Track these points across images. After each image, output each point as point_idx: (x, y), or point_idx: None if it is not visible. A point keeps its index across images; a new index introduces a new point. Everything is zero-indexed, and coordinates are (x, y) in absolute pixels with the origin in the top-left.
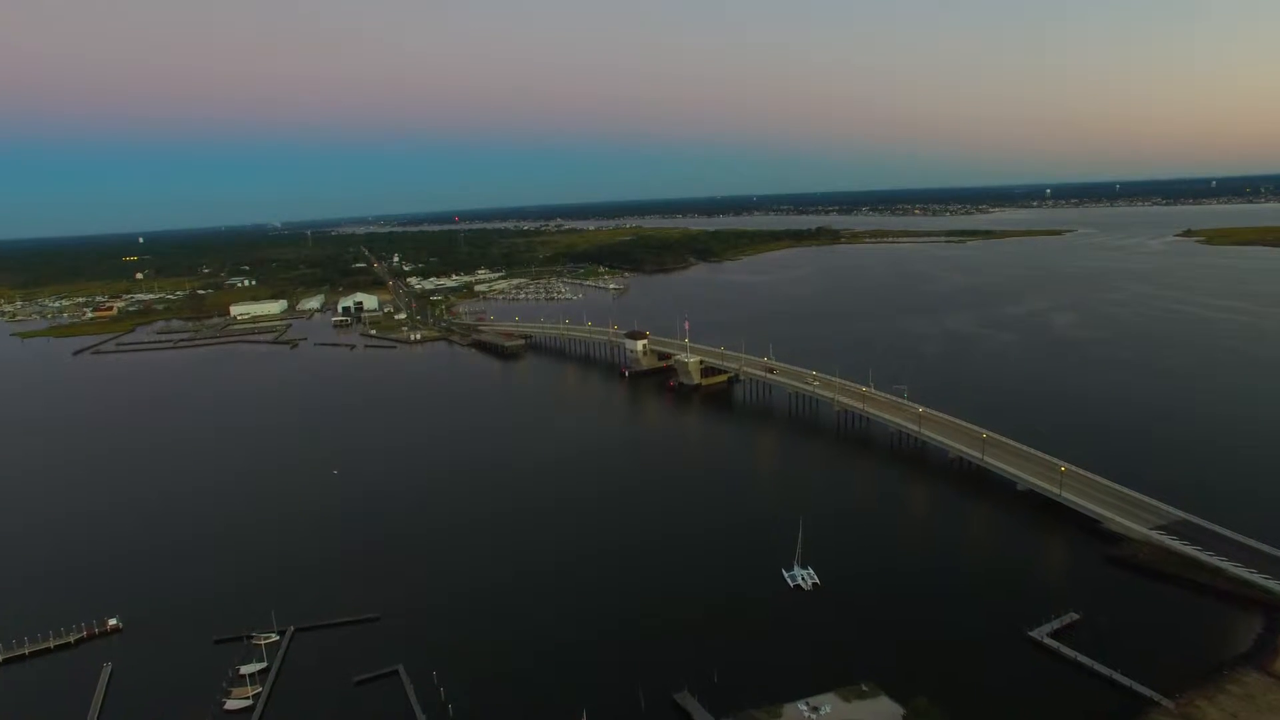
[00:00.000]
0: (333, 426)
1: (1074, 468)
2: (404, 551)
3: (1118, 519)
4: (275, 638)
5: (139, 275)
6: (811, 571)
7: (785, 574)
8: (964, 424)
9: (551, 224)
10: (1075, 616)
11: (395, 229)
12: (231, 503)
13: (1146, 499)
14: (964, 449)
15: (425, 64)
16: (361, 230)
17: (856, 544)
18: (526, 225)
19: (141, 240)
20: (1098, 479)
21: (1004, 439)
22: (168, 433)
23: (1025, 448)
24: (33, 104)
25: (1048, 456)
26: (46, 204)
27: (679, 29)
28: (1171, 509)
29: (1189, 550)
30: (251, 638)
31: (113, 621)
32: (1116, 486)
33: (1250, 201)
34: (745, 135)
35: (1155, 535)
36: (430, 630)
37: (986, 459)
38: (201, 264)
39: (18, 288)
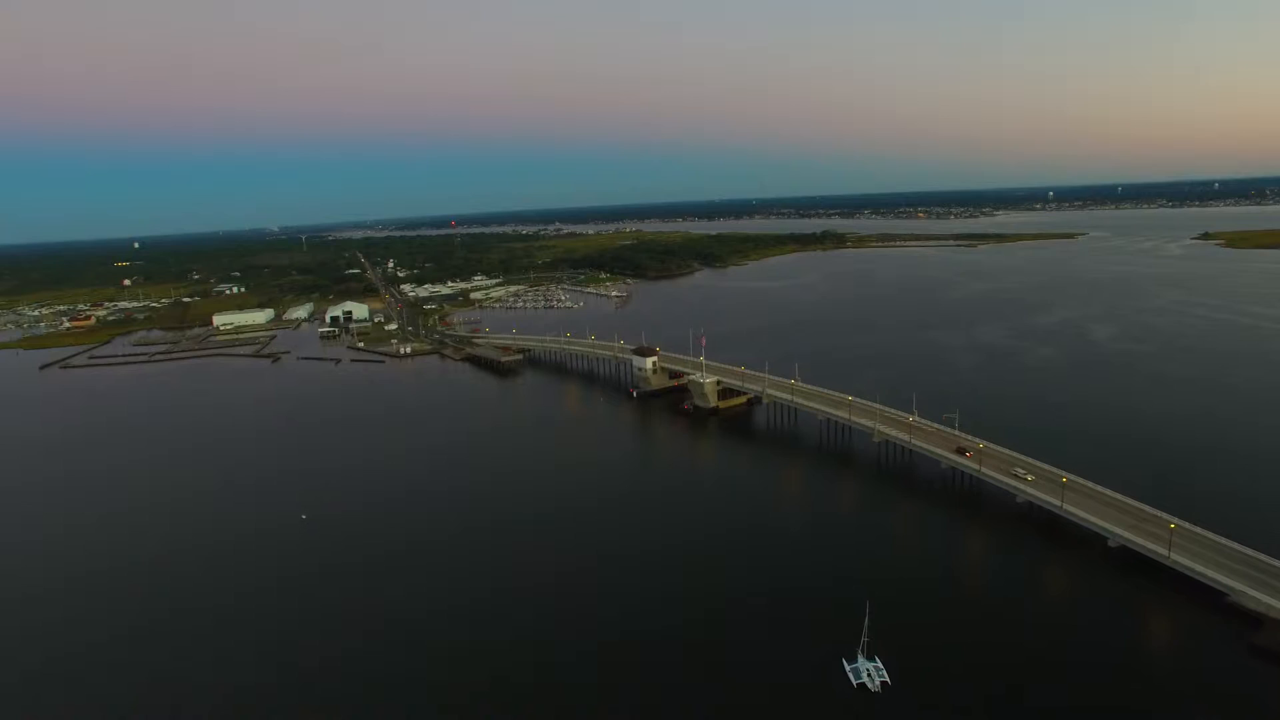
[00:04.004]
0: (306, 459)
1: (1184, 523)
2: (372, 641)
3: (1252, 593)
4: None
5: (126, 282)
6: (880, 665)
7: (847, 667)
8: (1034, 462)
9: (550, 228)
10: None
11: (392, 233)
12: (168, 566)
13: None
14: (1036, 493)
15: (425, 68)
16: (358, 235)
17: (925, 621)
18: (525, 229)
19: (137, 245)
20: (1215, 538)
21: (1085, 482)
22: (114, 464)
23: (1115, 494)
24: (33, 108)
25: (1148, 508)
26: (46, 208)
27: (677, 32)
28: None
29: None
30: None
31: None
32: (1239, 548)
33: (1258, 204)
34: (744, 138)
35: None
36: None
37: (1068, 507)
38: (192, 270)
39: (2, 294)
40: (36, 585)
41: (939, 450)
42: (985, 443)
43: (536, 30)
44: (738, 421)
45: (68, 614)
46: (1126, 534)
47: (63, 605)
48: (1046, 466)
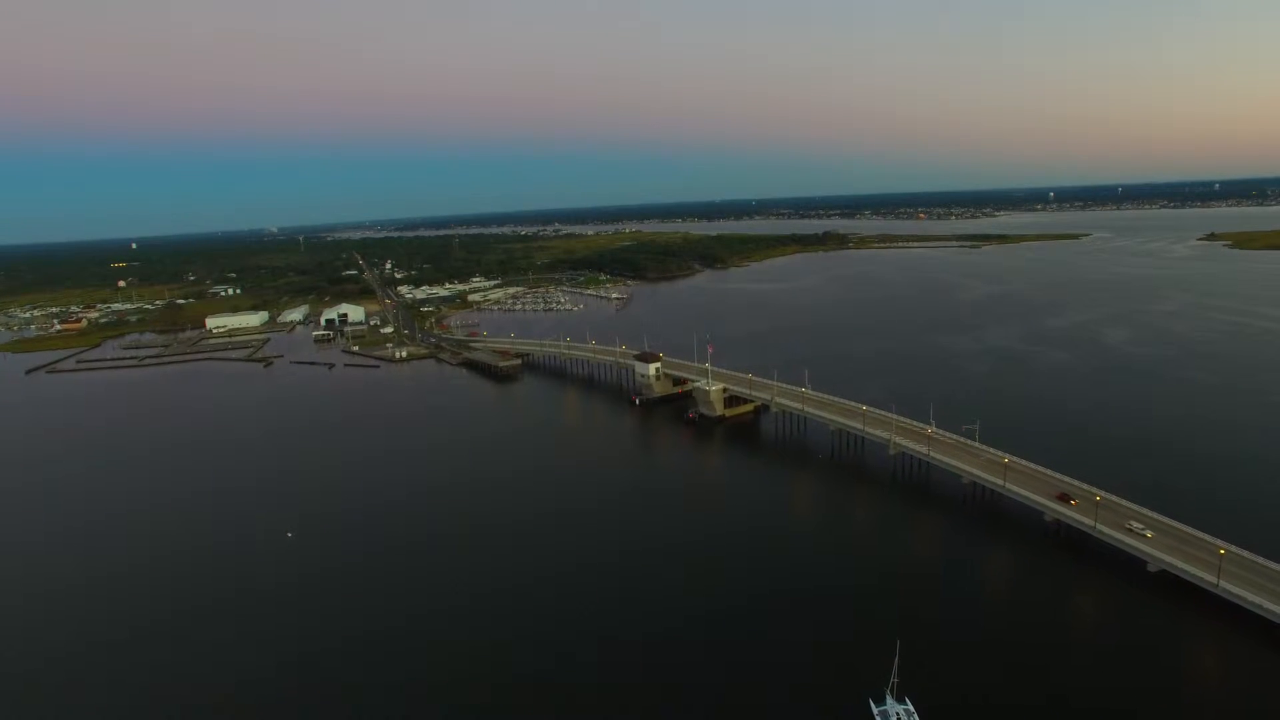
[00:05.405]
0: (301, 464)
1: (1234, 548)
2: (371, 643)
3: None
4: None
5: (121, 283)
6: (911, 708)
7: (875, 709)
8: (1063, 478)
9: (549, 229)
10: None
11: (390, 234)
12: (155, 574)
13: None
14: (1067, 512)
15: (424, 68)
16: (356, 235)
17: (956, 657)
18: (523, 230)
19: (134, 246)
20: (1271, 565)
21: (1119, 500)
22: (96, 473)
23: (1154, 514)
24: (34, 108)
25: (1191, 529)
26: (44, 209)
27: (677, 32)
28: None
29: None
30: None
31: None
32: None
33: (1260, 204)
34: (744, 139)
35: None
36: None
37: (1101, 528)
38: (188, 271)
39: None
40: (31, 588)
41: (963, 466)
42: (1010, 456)
43: (536, 30)
44: (745, 431)
45: (64, 617)
46: (1169, 558)
47: (58, 608)
48: (1077, 483)
